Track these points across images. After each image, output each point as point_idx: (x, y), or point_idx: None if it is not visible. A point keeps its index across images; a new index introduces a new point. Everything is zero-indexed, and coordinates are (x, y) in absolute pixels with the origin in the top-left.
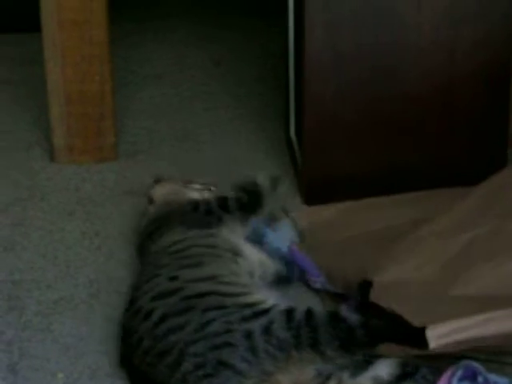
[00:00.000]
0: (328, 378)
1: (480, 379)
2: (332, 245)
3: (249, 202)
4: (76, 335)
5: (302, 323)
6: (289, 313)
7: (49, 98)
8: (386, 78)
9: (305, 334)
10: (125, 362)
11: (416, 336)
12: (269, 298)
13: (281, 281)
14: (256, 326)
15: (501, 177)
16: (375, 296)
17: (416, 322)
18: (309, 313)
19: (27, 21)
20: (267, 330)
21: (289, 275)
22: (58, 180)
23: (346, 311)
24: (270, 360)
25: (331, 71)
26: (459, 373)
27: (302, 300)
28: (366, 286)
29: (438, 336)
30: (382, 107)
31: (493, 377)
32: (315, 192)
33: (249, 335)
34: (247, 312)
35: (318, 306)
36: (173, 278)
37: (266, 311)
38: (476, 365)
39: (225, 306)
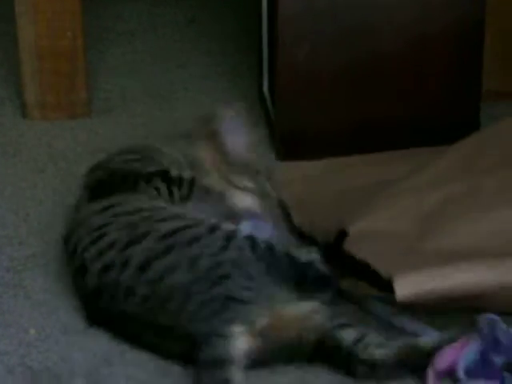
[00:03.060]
0: (345, 327)
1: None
2: (314, 201)
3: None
4: (48, 291)
5: (266, 254)
6: (252, 241)
7: (20, 54)
8: (360, 33)
9: (271, 266)
10: (103, 319)
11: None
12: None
13: None
14: (234, 253)
15: (481, 135)
16: (348, 245)
17: (384, 272)
18: (270, 246)
19: None
20: (243, 257)
21: None
22: (30, 136)
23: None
24: (264, 284)
25: (304, 27)
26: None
27: None
28: (341, 236)
29: (405, 286)
30: (356, 63)
31: None
32: (288, 148)
33: (235, 263)
34: (220, 240)
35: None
36: (132, 226)
37: (232, 236)
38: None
39: (198, 237)
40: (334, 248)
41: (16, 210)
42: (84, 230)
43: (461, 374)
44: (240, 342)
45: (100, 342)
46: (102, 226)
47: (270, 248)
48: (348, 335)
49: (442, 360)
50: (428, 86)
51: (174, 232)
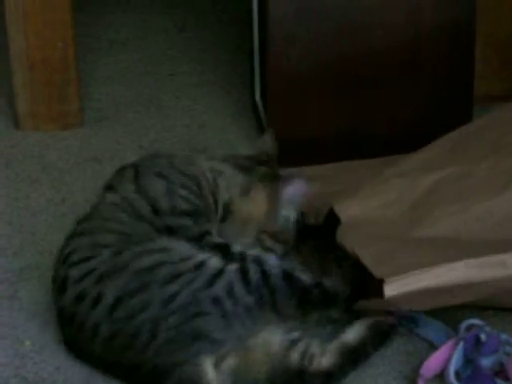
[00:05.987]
0: (295, 343)
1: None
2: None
3: None
4: (42, 302)
5: (260, 284)
6: (243, 274)
7: (11, 64)
8: (352, 35)
9: (266, 296)
10: (71, 346)
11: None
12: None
13: None
14: (219, 290)
15: (472, 125)
16: (340, 235)
17: (376, 272)
18: (264, 273)
19: None
20: (231, 293)
21: None
22: (23, 147)
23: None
24: (241, 325)
25: (295, 28)
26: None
27: None
28: (332, 215)
29: (394, 288)
30: (347, 67)
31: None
32: (281, 154)
33: (217, 301)
34: (205, 277)
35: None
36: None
37: (220, 273)
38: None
39: (180, 274)
40: (325, 229)
41: (10, 221)
42: (84, 239)
43: (452, 379)
44: (209, 370)
45: None
46: (95, 245)
47: (265, 278)
48: (294, 352)
49: (429, 367)
50: (419, 88)
51: (152, 268)
